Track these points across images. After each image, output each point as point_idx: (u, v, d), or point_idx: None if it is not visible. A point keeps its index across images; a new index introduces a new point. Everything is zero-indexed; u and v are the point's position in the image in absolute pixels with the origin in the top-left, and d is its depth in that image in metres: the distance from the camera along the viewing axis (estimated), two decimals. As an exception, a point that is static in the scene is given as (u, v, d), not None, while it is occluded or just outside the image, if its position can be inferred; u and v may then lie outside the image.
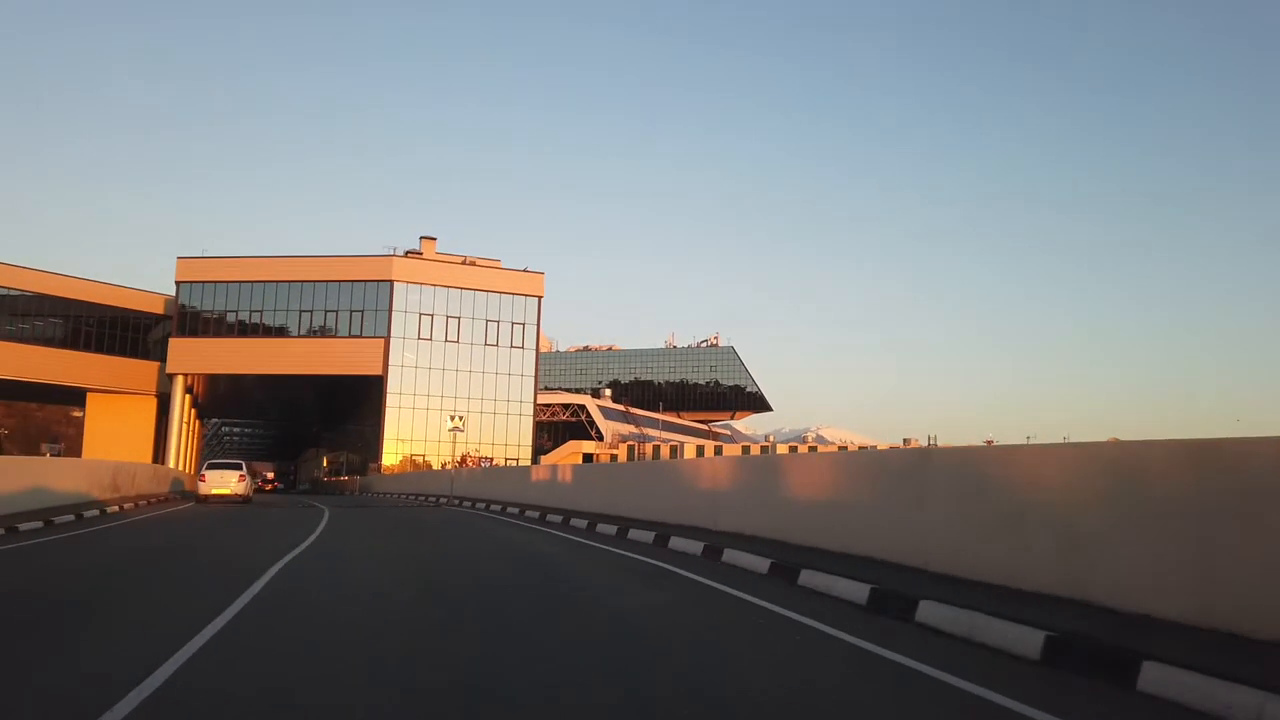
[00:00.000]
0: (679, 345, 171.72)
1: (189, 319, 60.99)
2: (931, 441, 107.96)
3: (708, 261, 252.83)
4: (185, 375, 61.70)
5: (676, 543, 12.60)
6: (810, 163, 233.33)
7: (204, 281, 61.03)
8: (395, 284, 59.70)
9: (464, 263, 62.69)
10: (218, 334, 60.60)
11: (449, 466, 41.19)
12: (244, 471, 29.77)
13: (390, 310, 59.46)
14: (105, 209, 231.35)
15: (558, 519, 19.68)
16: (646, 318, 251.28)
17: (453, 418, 30.65)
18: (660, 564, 10.86)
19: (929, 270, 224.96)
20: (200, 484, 28.97)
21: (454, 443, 39.69)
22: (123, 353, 69.20)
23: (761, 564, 9.78)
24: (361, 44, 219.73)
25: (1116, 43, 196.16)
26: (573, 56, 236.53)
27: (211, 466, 30.19)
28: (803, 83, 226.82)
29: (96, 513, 20.04)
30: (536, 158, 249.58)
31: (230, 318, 60.56)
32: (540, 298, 62.95)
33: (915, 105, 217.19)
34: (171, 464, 60.70)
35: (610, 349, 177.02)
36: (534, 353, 62.61)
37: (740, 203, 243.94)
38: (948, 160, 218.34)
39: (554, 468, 26.92)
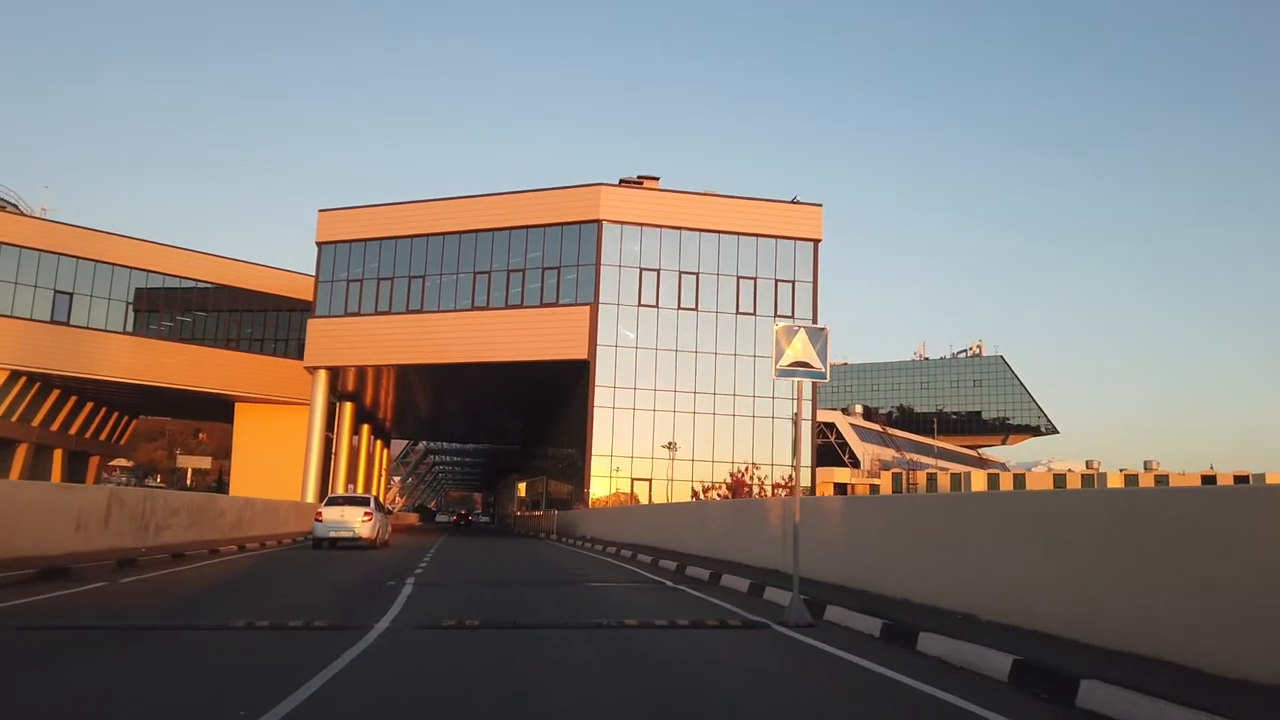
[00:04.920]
0: (931, 357, 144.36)
1: (332, 293, 44.62)
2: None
3: (961, 261, 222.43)
4: (328, 369, 45.26)
5: None
6: (1085, 159, 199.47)
7: (351, 240, 44.54)
8: (604, 225, 40.38)
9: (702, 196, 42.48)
10: (371, 311, 43.74)
11: (725, 493, 20.52)
12: (371, 507, 23.98)
13: (598, 264, 40.14)
14: (253, 178, 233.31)
15: None
16: (886, 328, 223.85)
17: (797, 337, 9.60)
18: None
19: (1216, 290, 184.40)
20: (316, 523, 23.37)
21: (742, 464, 19.24)
22: (274, 352, 54.73)
23: None
24: None
25: None
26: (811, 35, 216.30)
27: (331, 502, 24.99)
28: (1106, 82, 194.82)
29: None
30: (755, 126, 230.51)
31: (384, 288, 43.56)
32: (817, 242, 41.62)
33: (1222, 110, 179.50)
34: (311, 496, 44.35)
35: (844, 364, 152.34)
36: (810, 324, 41.15)
37: (994, 198, 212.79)
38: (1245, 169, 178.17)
39: None
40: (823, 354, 9.44)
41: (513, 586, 13.50)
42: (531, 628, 8.39)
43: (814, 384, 41.52)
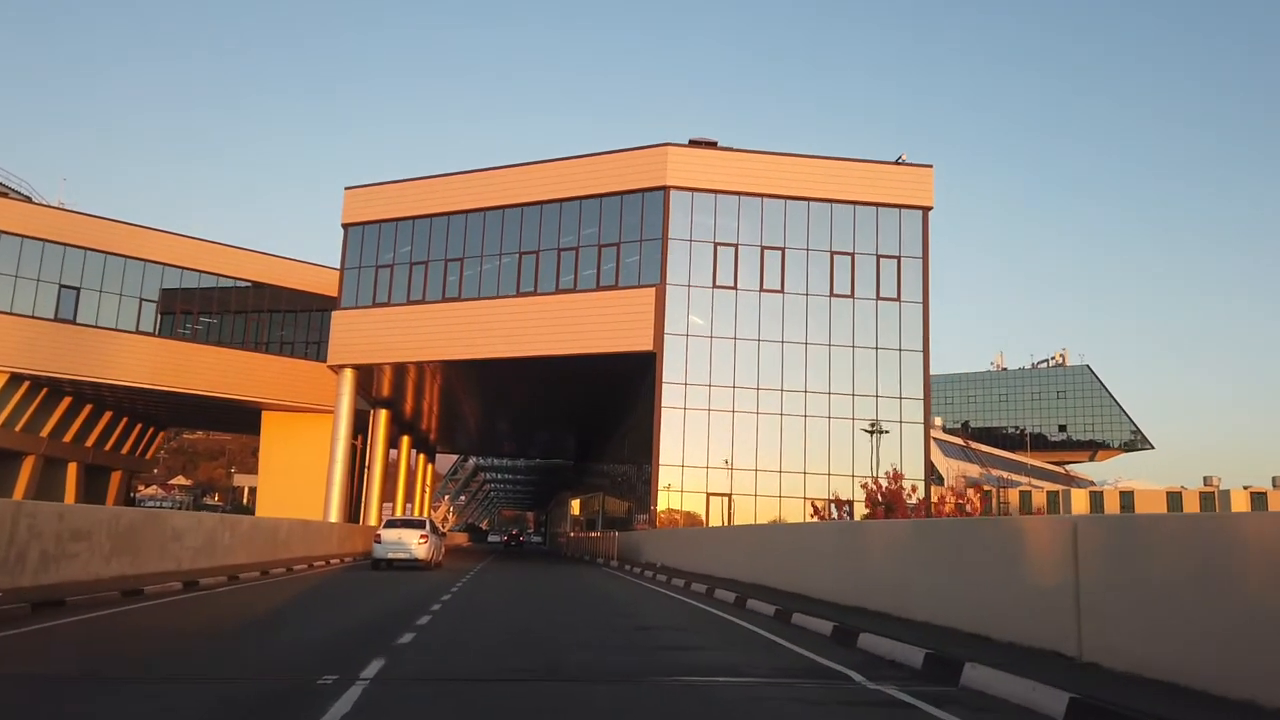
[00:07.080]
0: (1010, 367, 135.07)
1: (359, 281, 39.06)
2: None
3: (1042, 265, 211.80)
4: (355, 368, 39.61)
5: None
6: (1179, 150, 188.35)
7: (380, 221, 38.98)
8: (672, 192, 34.09)
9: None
10: (402, 300, 38.06)
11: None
12: (427, 530, 25.28)
13: (664, 239, 33.85)
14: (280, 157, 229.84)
15: None
16: (960, 337, 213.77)
17: None
18: None
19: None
20: (375, 544, 24.74)
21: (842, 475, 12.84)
22: (305, 355, 49.48)
23: None
24: None
25: None
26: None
27: (390, 525, 26.28)
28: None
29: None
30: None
31: (417, 274, 37.85)
32: (928, 210, 34.79)
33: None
34: (334, 514, 38.64)
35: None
36: (920, 308, 34.31)
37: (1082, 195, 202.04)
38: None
39: None
40: None
41: (560, 688, 7.12)
42: None
43: (926, 383, 34.66)
